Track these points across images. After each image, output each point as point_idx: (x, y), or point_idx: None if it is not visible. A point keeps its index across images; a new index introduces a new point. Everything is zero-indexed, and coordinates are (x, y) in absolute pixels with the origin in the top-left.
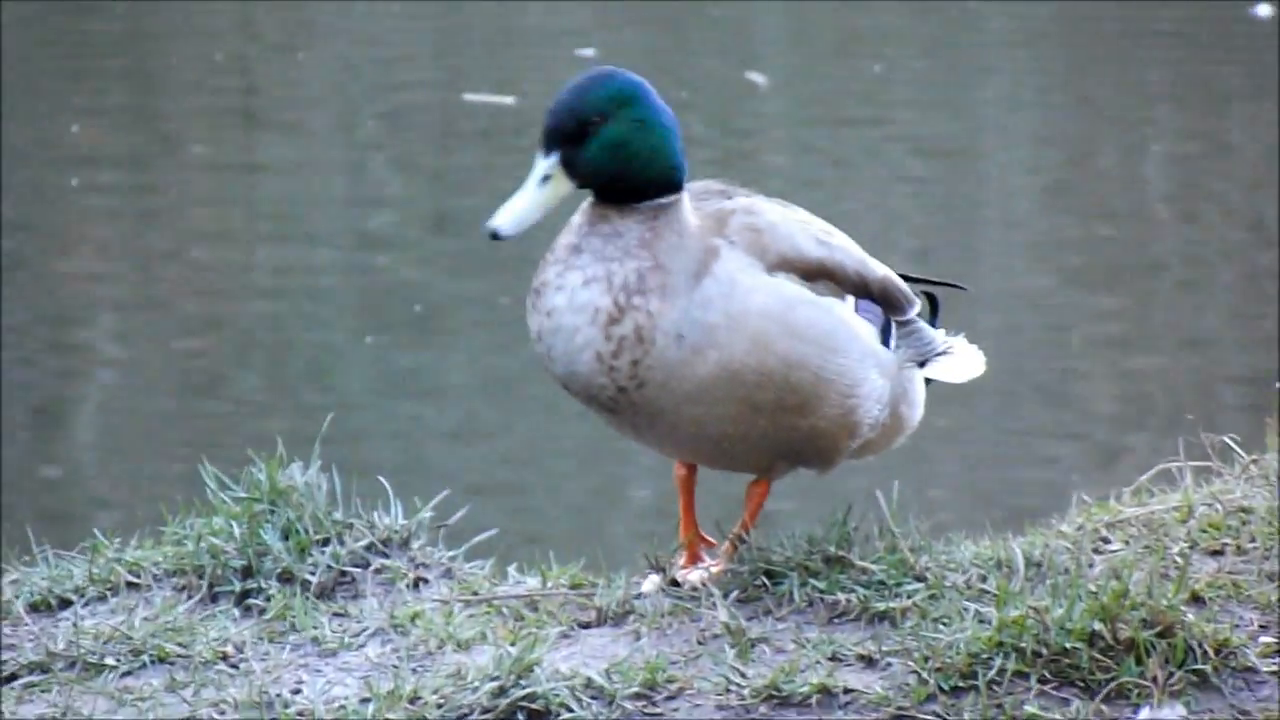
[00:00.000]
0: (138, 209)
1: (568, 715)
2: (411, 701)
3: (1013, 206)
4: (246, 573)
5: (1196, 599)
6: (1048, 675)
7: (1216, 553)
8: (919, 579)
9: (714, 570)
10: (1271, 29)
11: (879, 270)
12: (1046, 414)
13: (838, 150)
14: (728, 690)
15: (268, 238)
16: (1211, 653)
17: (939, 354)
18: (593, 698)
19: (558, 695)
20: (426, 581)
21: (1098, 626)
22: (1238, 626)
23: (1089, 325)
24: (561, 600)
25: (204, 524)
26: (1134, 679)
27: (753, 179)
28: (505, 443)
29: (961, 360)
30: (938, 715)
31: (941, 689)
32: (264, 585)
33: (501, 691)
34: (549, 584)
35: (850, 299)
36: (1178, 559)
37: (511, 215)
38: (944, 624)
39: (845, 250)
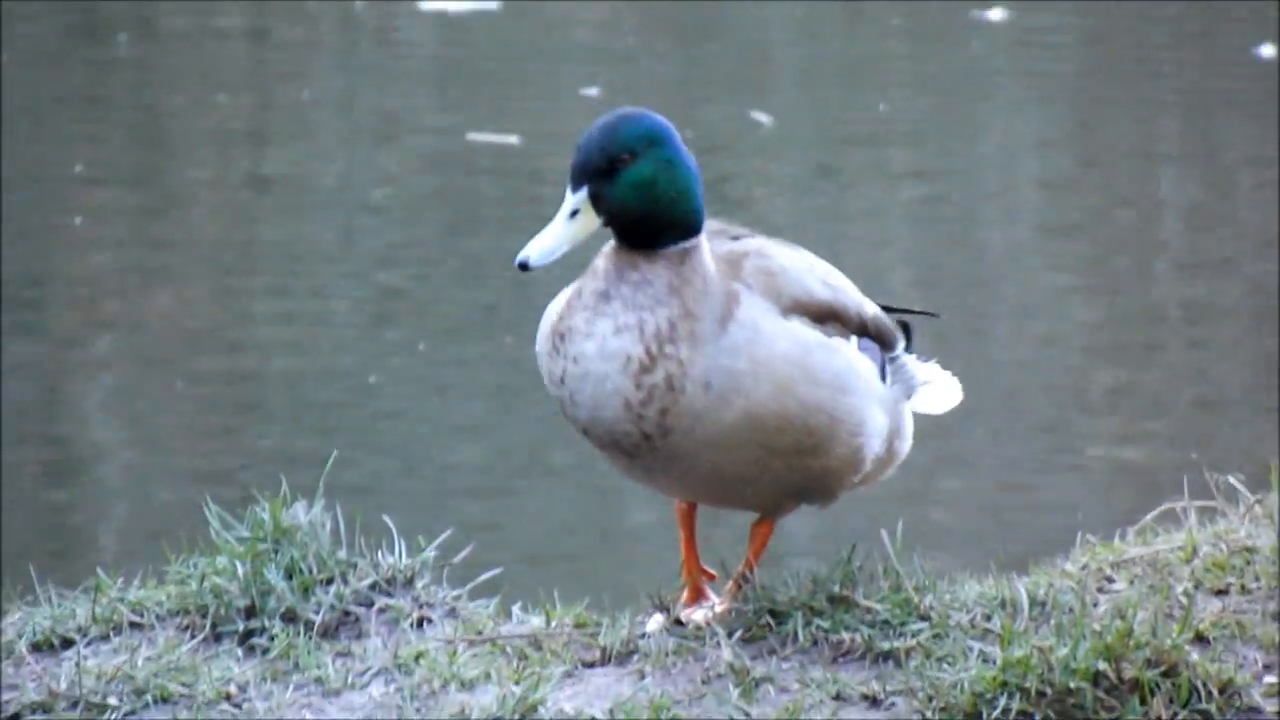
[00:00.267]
0: (141, 247)
1: None
2: None
3: (1016, 244)
4: (250, 612)
5: (1201, 639)
6: (1052, 715)
7: (1221, 592)
8: (923, 618)
9: (718, 609)
10: (1274, 69)
11: (872, 308)
12: (1049, 453)
13: (841, 189)
14: None
15: (271, 276)
16: (1216, 693)
17: (921, 385)
18: None
19: None
20: (430, 621)
21: (1102, 666)
22: (1242, 666)
23: (1093, 364)
24: (565, 639)
25: (207, 563)
26: (1138, 719)
27: (757, 218)
28: (510, 482)
29: (941, 390)
30: None
31: None
32: (267, 625)
33: None
34: (553, 623)
35: (853, 339)
36: (1182, 599)
37: (540, 248)
38: (948, 663)
39: (847, 291)
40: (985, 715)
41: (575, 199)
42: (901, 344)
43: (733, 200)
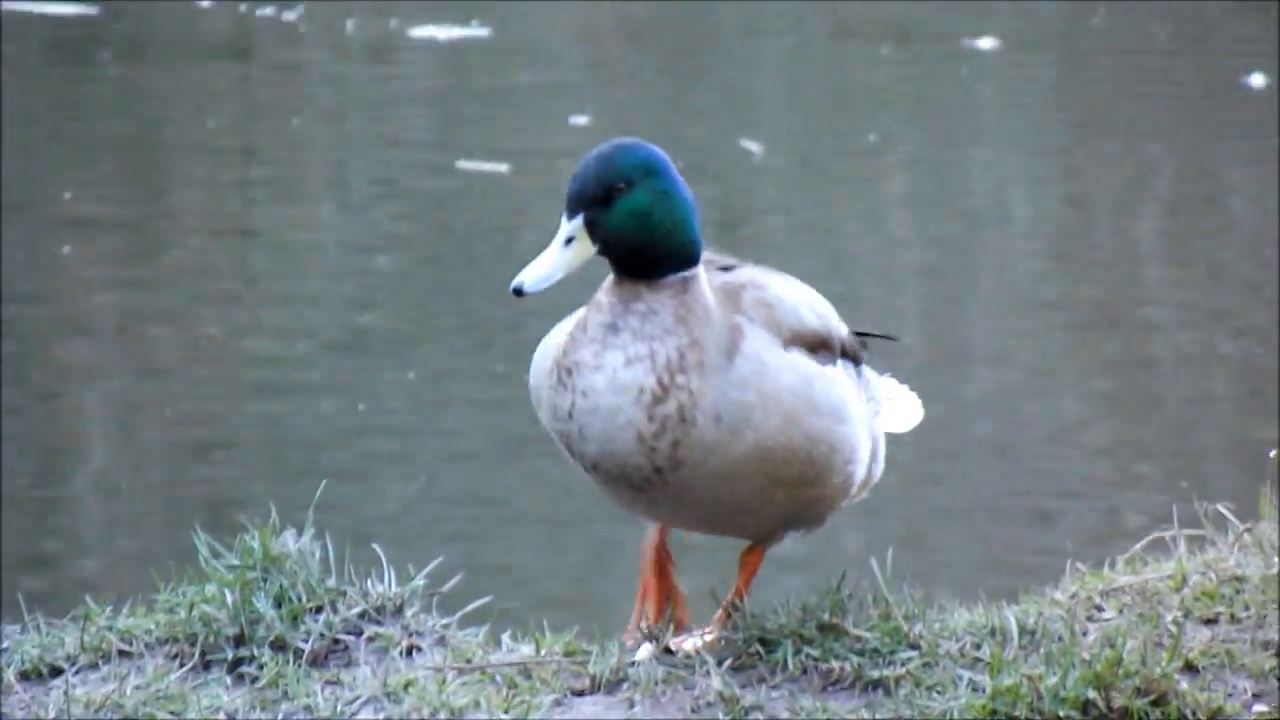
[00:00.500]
0: (131, 276)
1: None
2: None
3: (1007, 269)
4: (239, 640)
5: (1190, 667)
6: None
7: (1210, 621)
8: (913, 646)
9: (708, 638)
10: (1264, 97)
11: (844, 328)
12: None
13: (832, 217)
14: None
15: (261, 304)
16: None
17: (884, 402)
18: None
19: None
20: (420, 649)
21: (1091, 695)
22: (1231, 695)
23: (1084, 389)
24: (555, 668)
25: (196, 591)
26: None
27: (748, 247)
28: (500, 509)
29: (903, 408)
30: None
31: None
32: (256, 653)
33: None
34: (543, 651)
35: (839, 363)
36: (1171, 627)
37: (535, 274)
38: (938, 692)
39: (830, 318)
40: None
41: (571, 226)
42: (864, 360)
43: (723, 228)
